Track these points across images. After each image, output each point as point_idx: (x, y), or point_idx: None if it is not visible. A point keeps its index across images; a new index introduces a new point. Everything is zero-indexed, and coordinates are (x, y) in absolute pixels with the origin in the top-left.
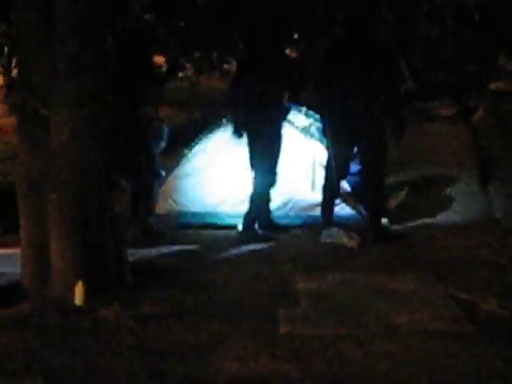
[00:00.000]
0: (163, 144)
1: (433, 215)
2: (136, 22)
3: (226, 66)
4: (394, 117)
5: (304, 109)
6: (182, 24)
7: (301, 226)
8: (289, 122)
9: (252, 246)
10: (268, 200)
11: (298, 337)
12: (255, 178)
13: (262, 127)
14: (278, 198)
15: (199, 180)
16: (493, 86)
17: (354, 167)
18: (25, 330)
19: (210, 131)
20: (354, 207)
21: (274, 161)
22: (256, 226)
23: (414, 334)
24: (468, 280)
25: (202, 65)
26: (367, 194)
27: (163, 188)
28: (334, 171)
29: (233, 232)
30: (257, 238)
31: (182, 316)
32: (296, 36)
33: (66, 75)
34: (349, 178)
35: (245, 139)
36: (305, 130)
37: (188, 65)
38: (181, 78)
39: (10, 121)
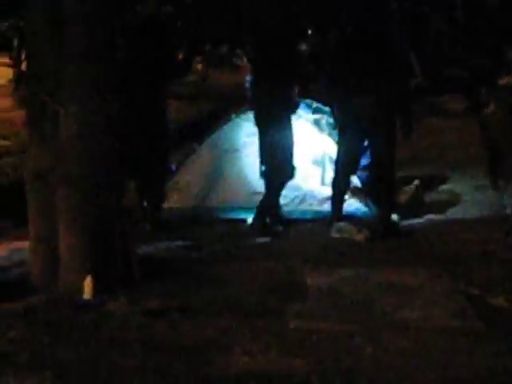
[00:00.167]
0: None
1: (442, 210)
2: (153, 13)
3: (235, 60)
4: (403, 112)
5: (314, 103)
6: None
7: (310, 221)
8: (299, 115)
9: (261, 241)
10: (279, 194)
11: (307, 332)
12: (266, 173)
13: (272, 122)
14: (287, 192)
15: (209, 174)
16: (503, 81)
17: (364, 161)
18: (33, 324)
19: (220, 125)
20: (363, 201)
21: (285, 155)
22: (267, 220)
23: (423, 329)
24: (478, 275)
25: (212, 59)
26: (377, 189)
27: (173, 182)
28: (343, 165)
29: (242, 226)
30: (266, 232)
31: (190, 311)
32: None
33: (74, 69)
34: (359, 172)
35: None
36: (315, 124)
37: (197, 58)
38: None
39: (20, 114)
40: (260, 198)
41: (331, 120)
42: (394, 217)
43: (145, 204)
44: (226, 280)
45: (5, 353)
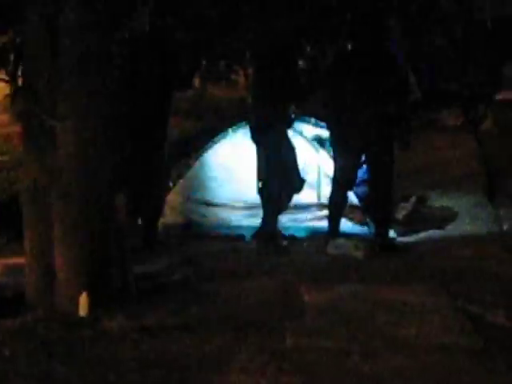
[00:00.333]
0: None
1: (440, 227)
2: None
3: (233, 76)
4: (401, 127)
5: (312, 119)
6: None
7: (307, 237)
8: (296, 131)
9: (258, 257)
10: (278, 211)
11: (305, 350)
12: (262, 189)
13: (269, 137)
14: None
15: (205, 190)
16: (500, 97)
17: (361, 175)
18: (28, 342)
19: (216, 141)
20: (358, 223)
21: (288, 169)
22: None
23: (422, 347)
24: (476, 292)
25: (209, 74)
26: (374, 205)
27: (169, 198)
28: (340, 182)
29: (240, 242)
30: (271, 248)
31: (186, 328)
32: (306, 47)
33: (70, 84)
34: (356, 188)
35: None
36: (312, 140)
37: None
38: None
39: (17, 129)
40: (255, 212)
41: (328, 136)
42: (392, 233)
43: (139, 221)
44: (223, 297)
45: None
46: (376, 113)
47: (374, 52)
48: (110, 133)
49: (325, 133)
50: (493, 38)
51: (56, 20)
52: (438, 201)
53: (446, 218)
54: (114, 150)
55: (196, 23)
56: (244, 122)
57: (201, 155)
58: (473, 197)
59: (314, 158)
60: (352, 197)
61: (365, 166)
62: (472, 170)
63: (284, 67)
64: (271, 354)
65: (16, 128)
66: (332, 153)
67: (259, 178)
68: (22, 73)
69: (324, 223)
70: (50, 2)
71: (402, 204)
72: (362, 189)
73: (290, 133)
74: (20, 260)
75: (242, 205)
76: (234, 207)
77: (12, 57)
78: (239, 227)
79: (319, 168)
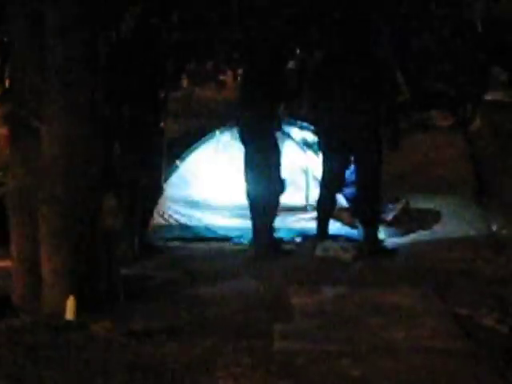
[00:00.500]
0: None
1: (429, 228)
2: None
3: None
4: (389, 127)
5: (299, 122)
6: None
7: (295, 240)
8: (284, 134)
9: (246, 260)
10: (274, 212)
11: (293, 353)
12: (249, 191)
13: (257, 139)
14: None
15: (191, 192)
16: (488, 97)
17: (350, 176)
18: (15, 346)
19: (203, 142)
20: (346, 224)
21: (273, 171)
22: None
23: (411, 350)
24: (465, 294)
25: (197, 75)
26: (363, 207)
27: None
28: (328, 184)
29: (226, 245)
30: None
31: (174, 332)
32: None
33: (56, 88)
34: (345, 190)
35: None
36: (301, 143)
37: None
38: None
39: (3, 132)
40: (242, 213)
41: (316, 138)
42: (381, 235)
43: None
44: (211, 300)
45: None
46: (364, 114)
47: (362, 53)
48: (96, 135)
49: (312, 135)
50: (481, 38)
51: (40, 21)
52: (426, 202)
53: (434, 219)
54: (101, 152)
55: (182, 24)
56: (232, 123)
57: (188, 156)
58: (461, 198)
59: (302, 160)
60: (341, 199)
61: (353, 167)
62: (461, 171)
63: (272, 68)
64: (259, 357)
65: (3, 131)
66: (320, 155)
67: (246, 180)
68: (9, 75)
69: (312, 225)
70: None
71: (391, 205)
72: (351, 190)
73: (279, 135)
74: (6, 263)
75: (228, 206)
76: (220, 208)
77: None
78: (226, 228)
79: (307, 170)
